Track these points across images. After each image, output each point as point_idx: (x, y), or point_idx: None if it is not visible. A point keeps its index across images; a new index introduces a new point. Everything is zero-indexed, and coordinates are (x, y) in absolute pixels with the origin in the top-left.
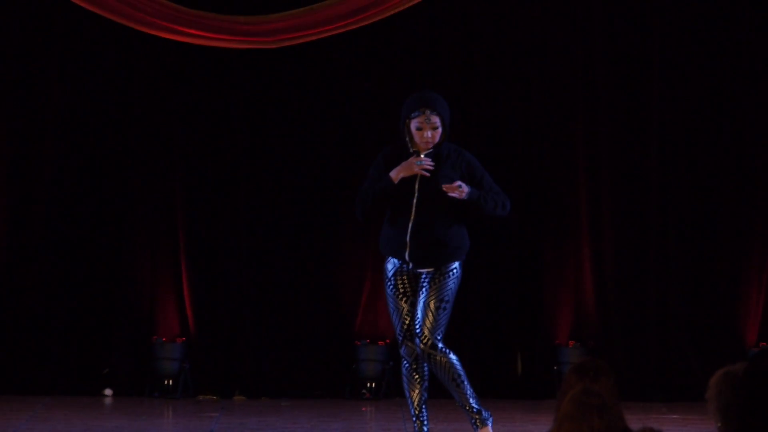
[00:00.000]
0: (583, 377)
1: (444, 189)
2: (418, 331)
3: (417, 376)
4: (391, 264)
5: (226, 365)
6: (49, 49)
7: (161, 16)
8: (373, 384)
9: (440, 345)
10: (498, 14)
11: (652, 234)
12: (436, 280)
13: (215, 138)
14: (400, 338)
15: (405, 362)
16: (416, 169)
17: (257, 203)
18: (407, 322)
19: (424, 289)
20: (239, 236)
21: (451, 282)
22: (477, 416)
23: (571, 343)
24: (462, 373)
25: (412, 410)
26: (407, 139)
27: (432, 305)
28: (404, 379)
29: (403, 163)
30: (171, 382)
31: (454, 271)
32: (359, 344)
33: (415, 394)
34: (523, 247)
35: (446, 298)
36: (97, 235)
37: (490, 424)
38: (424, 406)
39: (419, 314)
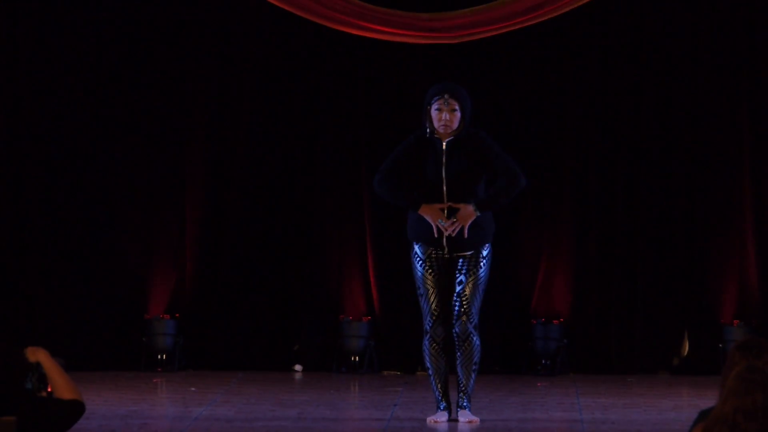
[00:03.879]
0: (746, 354)
1: (449, 233)
2: (462, 311)
3: (443, 355)
4: (425, 249)
5: (410, 343)
6: (242, 54)
7: (349, 13)
8: (548, 361)
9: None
10: (670, 8)
11: None
12: (473, 265)
13: (398, 129)
14: (433, 320)
15: (434, 343)
16: (434, 226)
17: None
18: (440, 305)
19: (462, 274)
20: None
21: (484, 267)
22: (467, 398)
23: (735, 322)
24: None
25: (439, 388)
26: (427, 125)
27: (474, 288)
28: (431, 358)
29: (432, 210)
30: (357, 358)
31: (487, 255)
32: (535, 323)
33: (442, 372)
34: (690, 231)
35: (483, 282)
36: (288, 222)
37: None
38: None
39: (465, 296)
